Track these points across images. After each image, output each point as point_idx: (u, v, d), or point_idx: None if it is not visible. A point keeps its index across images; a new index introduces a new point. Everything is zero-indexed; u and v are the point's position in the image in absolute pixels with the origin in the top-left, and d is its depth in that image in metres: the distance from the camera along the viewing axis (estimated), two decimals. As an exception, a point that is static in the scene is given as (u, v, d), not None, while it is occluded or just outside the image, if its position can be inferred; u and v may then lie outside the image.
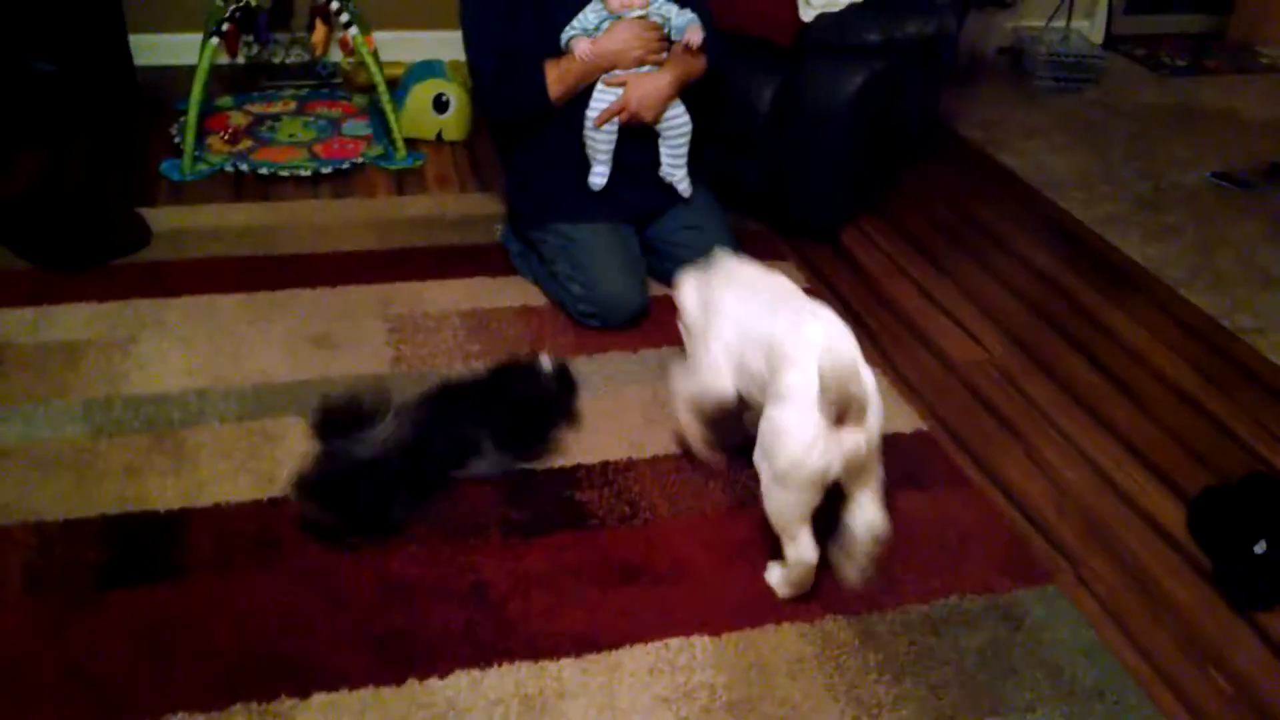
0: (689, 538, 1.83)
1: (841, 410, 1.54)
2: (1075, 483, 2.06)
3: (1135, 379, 2.40)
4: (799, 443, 1.57)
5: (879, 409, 1.62)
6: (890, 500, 1.93)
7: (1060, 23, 4.43)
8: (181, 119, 3.05)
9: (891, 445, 2.07)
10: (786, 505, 1.63)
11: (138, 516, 1.78)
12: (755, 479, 1.93)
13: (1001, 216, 3.12)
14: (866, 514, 1.66)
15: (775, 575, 1.73)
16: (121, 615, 1.60)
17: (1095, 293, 2.74)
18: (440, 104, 3.23)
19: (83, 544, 1.72)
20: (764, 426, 1.65)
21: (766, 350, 1.70)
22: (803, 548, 1.64)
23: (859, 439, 1.57)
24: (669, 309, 2.46)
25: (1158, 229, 3.10)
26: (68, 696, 1.47)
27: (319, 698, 1.50)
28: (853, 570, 1.73)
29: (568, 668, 1.57)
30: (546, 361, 2.05)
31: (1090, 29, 4.63)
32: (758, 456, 1.67)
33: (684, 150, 2.42)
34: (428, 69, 3.30)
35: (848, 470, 1.61)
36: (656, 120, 2.35)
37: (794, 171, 2.77)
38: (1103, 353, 2.49)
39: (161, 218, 2.67)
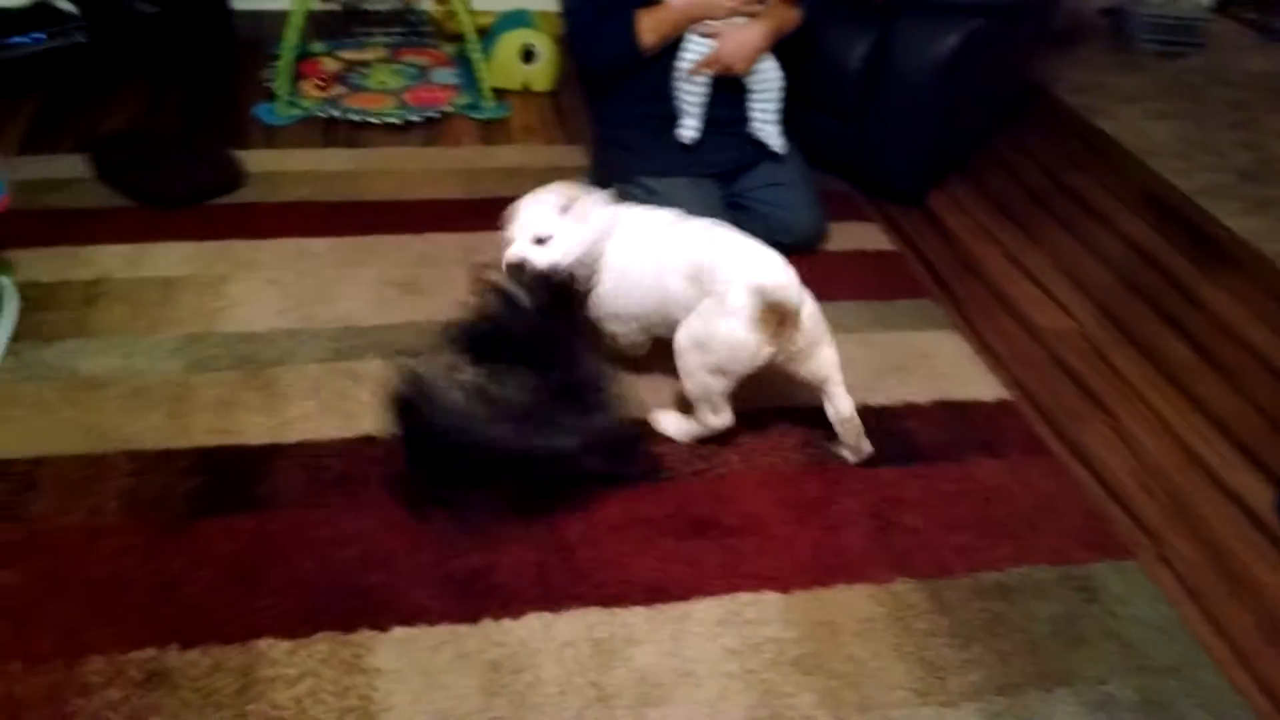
0: (762, 493, 1.84)
1: (779, 319, 1.76)
2: (1160, 458, 2.02)
3: (1227, 354, 2.32)
4: (744, 349, 1.78)
5: (812, 309, 1.84)
6: (967, 467, 1.93)
7: (1168, -17, 4.26)
8: (276, 63, 3.11)
9: (972, 412, 2.07)
10: (717, 387, 1.84)
11: (228, 449, 1.84)
12: (829, 438, 1.93)
13: (1096, 184, 3.04)
14: (836, 406, 1.87)
15: (673, 423, 1.94)
16: (211, 542, 1.66)
17: (1190, 265, 2.66)
18: (528, 55, 3.24)
19: (177, 473, 1.79)
20: (706, 330, 1.80)
21: (693, 273, 1.83)
22: (724, 416, 1.88)
23: (795, 338, 1.79)
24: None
25: (1259, 201, 2.99)
26: (159, 616, 1.54)
27: (397, 631, 1.55)
28: (846, 452, 1.91)
29: (637, 615, 1.60)
30: (519, 292, 1.81)
31: (1199, -10, 4.44)
32: (688, 347, 1.83)
33: (776, 105, 2.40)
34: (516, 19, 3.30)
35: (790, 361, 1.82)
36: (748, 74, 2.33)
37: (882, 132, 2.72)
38: (1195, 327, 2.41)
39: (255, 160, 2.73)
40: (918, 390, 2.12)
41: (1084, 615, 1.66)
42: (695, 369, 1.83)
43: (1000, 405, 2.10)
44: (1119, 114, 3.49)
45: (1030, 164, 3.11)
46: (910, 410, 2.06)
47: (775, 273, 1.80)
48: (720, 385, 1.83)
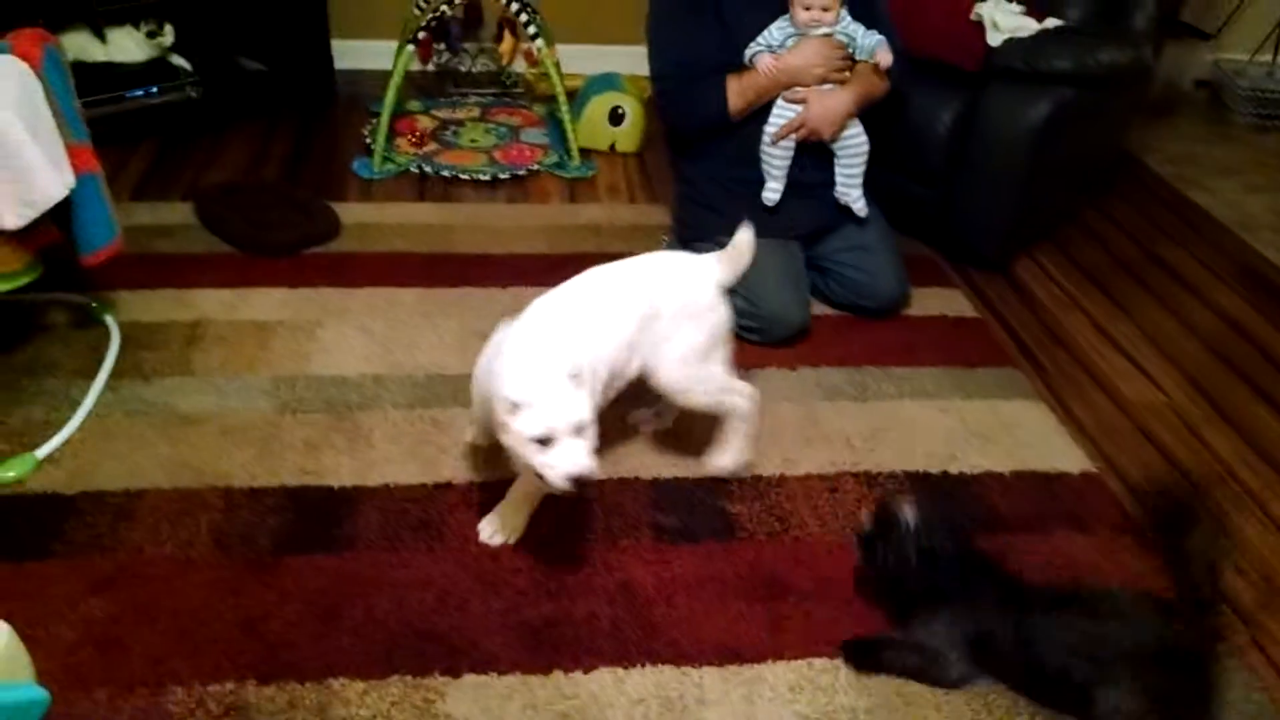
0: (837, 557, 1.81)
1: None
2: (1255, 539, 1.94)
3: (1328, 436, 2.24)
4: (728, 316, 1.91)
5: None
6: (1053, 541, 1.88)
7: (1266, 56, 4.19)
8: (374, 120, 3.22)
9: (1056, 485, 2.02)
10: (722, 369, 1.92)
11: (314, 489, 1.89)
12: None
13: (1188, 256, 2.97)
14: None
15: (728, 457, 1.96)
16: (295, 580, 1.70)
17: (1288, 341, 2.58)
18: (616, 116, 3.31)
19: (264, 510, 1.83)
20: (702, 334, 1.86)
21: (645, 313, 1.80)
22: (746, 386, 1.94)
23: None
24: (830, 328, 2.46)
25: (1364, 279, 2.89)
26: (241, 650, 1.58)
27: (469, 678, 1.55)
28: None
29: (709, 675, 1.58)
30: (909, 514, 1.62)
31: (1298, 64, 4.35)
32: (685, 363, 1.85)
33: (860, 170, 2.41)
34: (606, 82, 3.38)
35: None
36: (834, 139, 2.35)
37: (968, 199, 2.71)
38: (1293, 405, 2.34)
39: (350, 212, 2.83)
40: (1000, 460, 2.08)
41: (1174, 700, 1.59)
42: (699, 376, 1.86)
43: (1086, 478, 2.05)
44: (1213, 186, 3.42)
45: (1120, 235, 3.07)
46: (993, 479, 2.03)
47: (689, 264, 1.87)
48: (723, 365, 1.88)
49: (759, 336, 2.36)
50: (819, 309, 2.51)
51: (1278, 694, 1.63)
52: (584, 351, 1.64)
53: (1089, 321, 2.61)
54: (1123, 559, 1.85)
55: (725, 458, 1.96)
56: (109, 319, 2.29)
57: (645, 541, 1.83)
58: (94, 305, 2.32)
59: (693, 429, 2.10)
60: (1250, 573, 1.86)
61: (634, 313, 1.78)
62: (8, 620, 1.38)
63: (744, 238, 1.87)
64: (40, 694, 1.00)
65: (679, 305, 1.82)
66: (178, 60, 3.32)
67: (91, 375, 2.12)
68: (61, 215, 1.93)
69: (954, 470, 2.03)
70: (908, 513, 1.60)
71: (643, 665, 1.60)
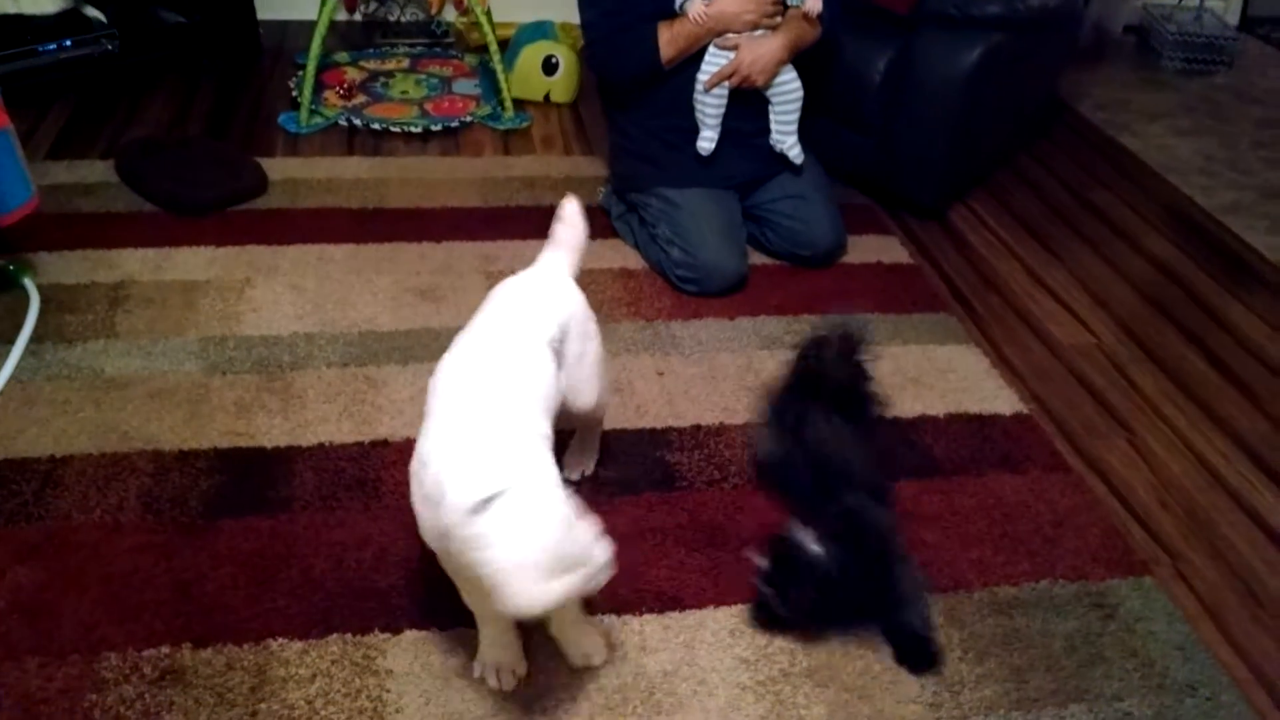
0: (777, 504, 1.83)
1: None
2: (1180, 475, 2.00)
3: (1250, 373, 2.30)
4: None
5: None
6: (985, 482, 1.92)
7: (1194, 1, 4.25)
8: (300, 73, 3.14)
9: (990, 427, 2.06)
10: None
11: (246, 451, 1.86)
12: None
13: (1119, 201, 3.02)
14: None
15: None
16: (228, 543, 1.67)
17: (1214, 283, 2.64)
18: (550, 66, 3.26)
19: (195, 473, 1.80)
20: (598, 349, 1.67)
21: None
22: None
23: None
24: (768, 277, 2.47)
25: (1285, 220, 2.97)
26: (175, 614, 1.55)
27: (410, 635, 1.55)
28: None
29: (650, 623, 1.60)
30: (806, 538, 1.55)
31: (1225, 9, 4.42)
32: (600, 380, 1.69)
33: (795, 117, 2.40)
34: (538, 30, 3.32)
35: None
36: (767, 85, 2.33)
37: (903, 145, 2.72)
38: (1217, 344, 2.39)
39: (278, 167, 2.76)
40: (935, 403, 2.11)
41: (1101, 632, 1.64)
42: (606, 384, 1.72)
43: (1019, 420, 2.09)
44: (1144, 131, 3.47)
45: (1053, 181, 3.10)
46: (928, 423, 2.06)
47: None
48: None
49: (696, 287, 2.35)
50: (756, 258, 2.51)
51: (1203, 627, 1.68)
52: (535, 411, 1.40)
53: (1022, 267, 2.65)
54: (1053, 497, 1.90)
55: (589, 461, 1.87)
56: (27, 282, 2.22)
57: (586, 494, 1.82)
58: (11, 268, 2.25)
59: (633, 382, 2.09)
60: (1176, 509, 1.92)
61: (548, 349, 1.51)
62: (-73, 592, 1.34)
63: (569, 208, 1.66)
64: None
65: (574, 320, 1.60)
66: (91, 12, 3.19)
67: (11, 340, 2.05)
68: (-29, 174, 1.86)
69: (889, 414, 2.06)
70: (808, 542, 1.49)
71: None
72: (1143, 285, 2.61)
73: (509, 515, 1.18)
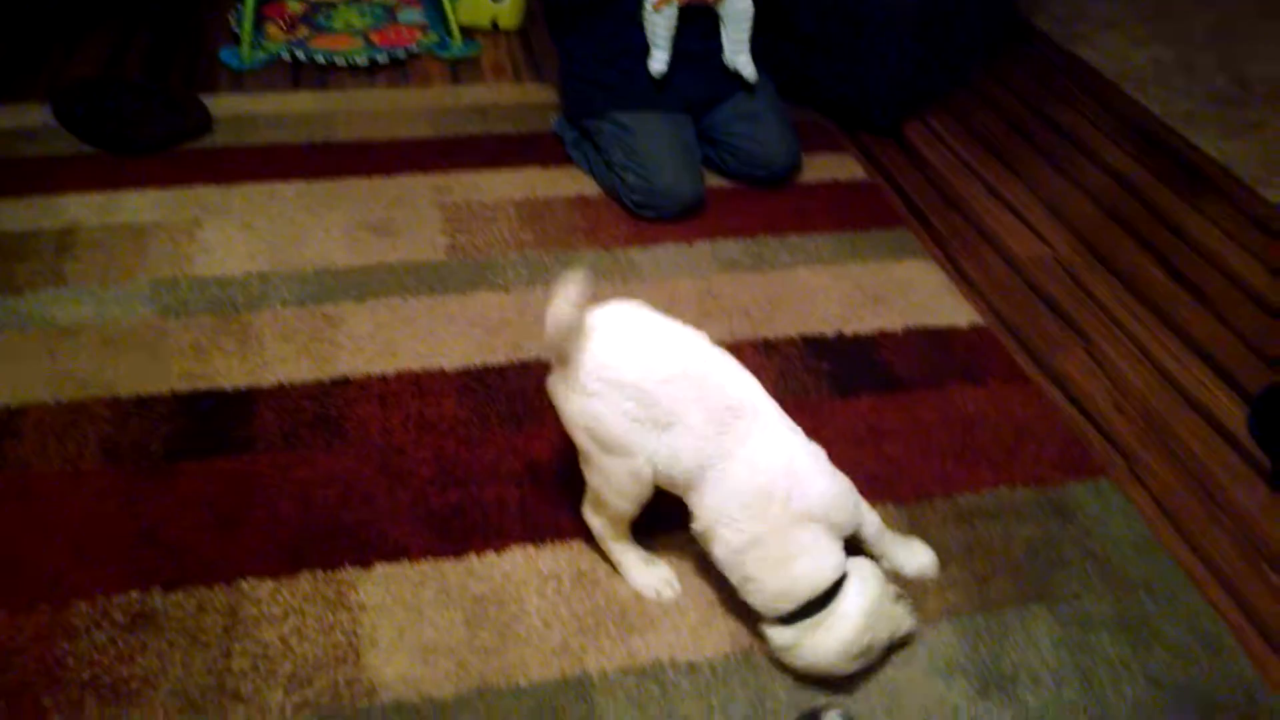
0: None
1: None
2: (1136, 381, 2.03)
3: (1205, 279, 2.33)
4: None
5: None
6: (945, 394, 1.94)
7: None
8: (240, 6, 3.04)
9: (949, 340, 2.08)
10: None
11: (206, 394, 1.83)
12: (809, 370, 1.94)
13: (1077, 114, 3.02)
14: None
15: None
16: (192, 485, 1.66)
17: (1169, 191, 2.65)
18: (497, -9, 3.18)
19: (155, 418, 1.78)
20: None
21: None
22: None
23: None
24: (724, 199, 2.45)
25: (1239, 125, 2.98)
26: (142, 559, 1.54)
27: (380, 568, 1.55)
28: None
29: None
30: None
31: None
32: None
33: (747, 33, 2.36)
34: (485, -45, 3.23)
35: None
36: (717, 2, 2.29)
37: (855, 62, 2.69)
38: (1173, 252, 2.42)
39: (222, 104, 2.68)
40: (894, 319, 2.12)
41: (1061, 536, 1.68)
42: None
43: (977, 333, 2.11)
44: (1099, 41, 3.46)
45: (1010, 96, 3.09)
46: (887, 339, 2.07)
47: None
48: None
49: (653, 212, 2.33)
50: (713, 181, 2.49)
51: (1160, 527, 1.72)
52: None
53: (979, 182, 2.65)
54: (1012, 407, 1.92)
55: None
56: (-32, 231, 2.16)
57: (549, 424, 1.82)
58: (-50, 217, 2.19)
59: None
60: (1133, 414, 1.95)
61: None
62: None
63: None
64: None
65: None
66: (18, -52, 3.07)
67: (-44, 291, 2.01)
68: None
69: (849, 332, 2.07)
70: None
71: (554, 542, 1.61)
72: (1100, 197, 2.63)
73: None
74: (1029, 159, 2.77)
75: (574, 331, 1.37)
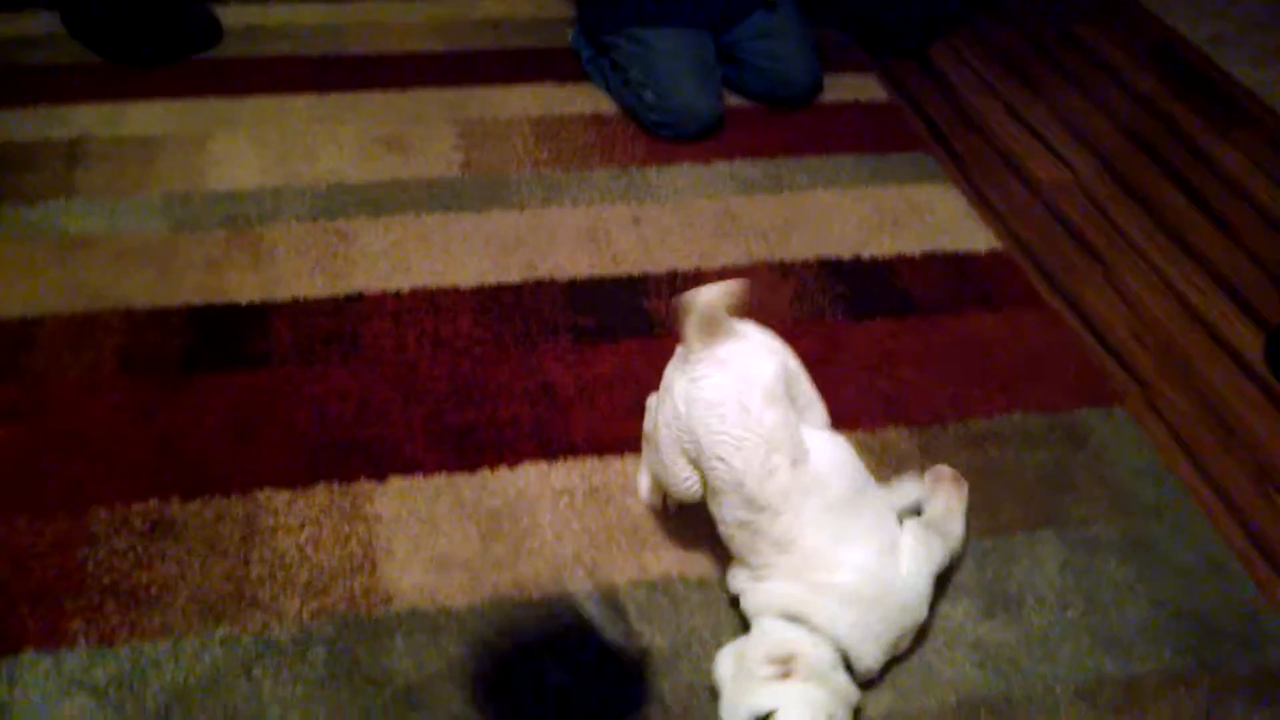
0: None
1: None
2: (1155, 309, 2.01)
3: (1229, 208, 2.29)
4: None
5: None
6: (962, 320, 1.93)
7: None
8: (249, -88, 2.96)
9: (967, 265, 2.06)
10: None
11: (220, 308, 1.83)
12: (825, 293, 1.94)
13: (1104, 35, 2.94)
14: None
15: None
16: (208, 398, 1.67)
17: (1196, 117, 2.60)
18: (513, -100, 3.09)
19: (169, 331, 1.78)
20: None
21: None
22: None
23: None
24: (744, 119, 2.41)
25: (1270, 51, 2.90)
26: (160, 469, 1.56)
27: (395, 482, 1.57)
28: None
29: (632, 463, 1.62)
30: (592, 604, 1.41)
31: None
32: None
33: (767, -53, 2.31)
34: None
35: None
36: (739, -86, 2.23)
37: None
38: (1197, 180, 2.38)
39: (232, 15, 2.63)
40: (912, 243, 2.10)
41: (1073, 462, 1.68)
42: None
43: (996, 258, 2.09)
44: (1128, -39, 3.36)
45: (1037, 16, 3.01)
46: (904, 263, 2.05)
47: None
48: None
49: (671, 131, 2.30)
50: (732, 100, 2.45)
51: (1173, 455, 1.72)
52: None
53: (1003, 105, 2.60)
54: (1029, 334, 1.91)
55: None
56: (-21, 140, 2.14)
57: (564, 343, 1.83)
58: (-39, 126, 2.17)
59: (609, 230, 2.07)
60: (1150, 343, 1.94)
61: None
62: (-93, 452, 1.34)
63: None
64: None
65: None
66: None
67: (-32, 201, 2.00)
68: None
69: (866, 255, 2.05)
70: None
71: (567, 459, 1.62)
72: (1125, 122, 2.58)
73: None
74: (1053, 81, 2.71)
75: (717, 324, 1.35)
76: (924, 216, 2.17)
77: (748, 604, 1.35)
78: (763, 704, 1.21)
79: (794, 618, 1.29)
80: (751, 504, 1.29)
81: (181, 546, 1.46)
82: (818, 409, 1.48)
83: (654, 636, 1.39)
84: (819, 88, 2.49)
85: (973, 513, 1.58)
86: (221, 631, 1.36)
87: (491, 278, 1.94)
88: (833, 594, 1.29)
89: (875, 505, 1.38)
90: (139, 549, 1.45)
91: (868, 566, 1.31)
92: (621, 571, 1.47)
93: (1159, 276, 2.09)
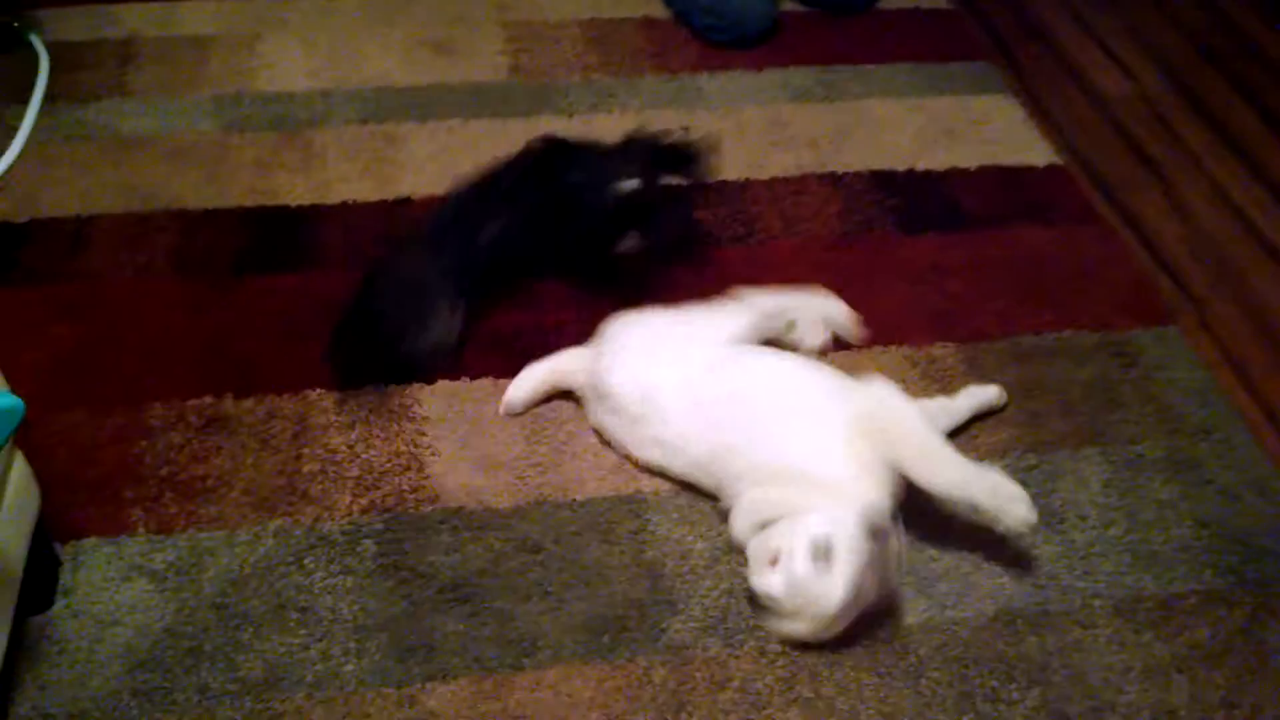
0: (802, 260, 1.82)
1: None
2: (1214, 227, 1.96)
3: (1300, 124, 2.22)
4: None
5: None
6: (1013, 233, 1.90)
7: None
8: None
9: (1023, 178, 2.02)
10: None
11: (270, 210, 1.85)
12: (875, 205, 1.91)
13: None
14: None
15: None
16: (259, 298, 1.70)
17: (1270, 31, 2.49)
18: None
19: (221, 232, 1.81)
20: None
21: None
22: None
23: None
24: (799, 25, 2.35)
25: (1356, -43, 2.76)
26: (213, 368, 1.60)
27: (443, 384, 1.59)
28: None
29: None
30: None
31: None
32: None
33: None
34: None
35: None
36: None
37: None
38: (1268, 95, 2.29)
39: (280, -87, 2.60)
40: (967, 155, 2.05)
41: (1120, 379, 1.66)
42: None
43: (1052, 172, 2.04)
44: None
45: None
46: (958, 175, 2.01)
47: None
48: None
49: (723, 35, 2.25)
50: (786, 4, 2.39)
51: (1223, 375, 1.70)
52: None
53: (1069, 13, 2.51)
54: (1081, 249, 1.88)
55: None
56: (34, 39, 2.15)
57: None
58: (15, 24, 2.18)
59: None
60: (1205, 259, 1.90)
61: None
62: (-27, 344, 1.39)
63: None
64: (13, 401, 1.01)
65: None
66: None
67: (24, 100, 2.02)
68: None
69: (919, 168, 2.01)
70: None
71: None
72: (1196, 34, 2.47)
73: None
74: (1123, -12, 2.61)
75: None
76: (981, 128, 2.12)
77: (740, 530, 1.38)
78: (819, 531, 1.25)
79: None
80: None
81: (235, 441, 1.50)
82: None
83: (694, 542, 1.42)
84: (876, -8, 2.42)
85: (1017, 429, 1.57)
86: (275, 524, 1.41)
87: (538, 184, 1.93)
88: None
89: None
90: (194, 443, 1.50)
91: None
92: (663, 479, 1.49)
93: (1220, 193, 2.04)
